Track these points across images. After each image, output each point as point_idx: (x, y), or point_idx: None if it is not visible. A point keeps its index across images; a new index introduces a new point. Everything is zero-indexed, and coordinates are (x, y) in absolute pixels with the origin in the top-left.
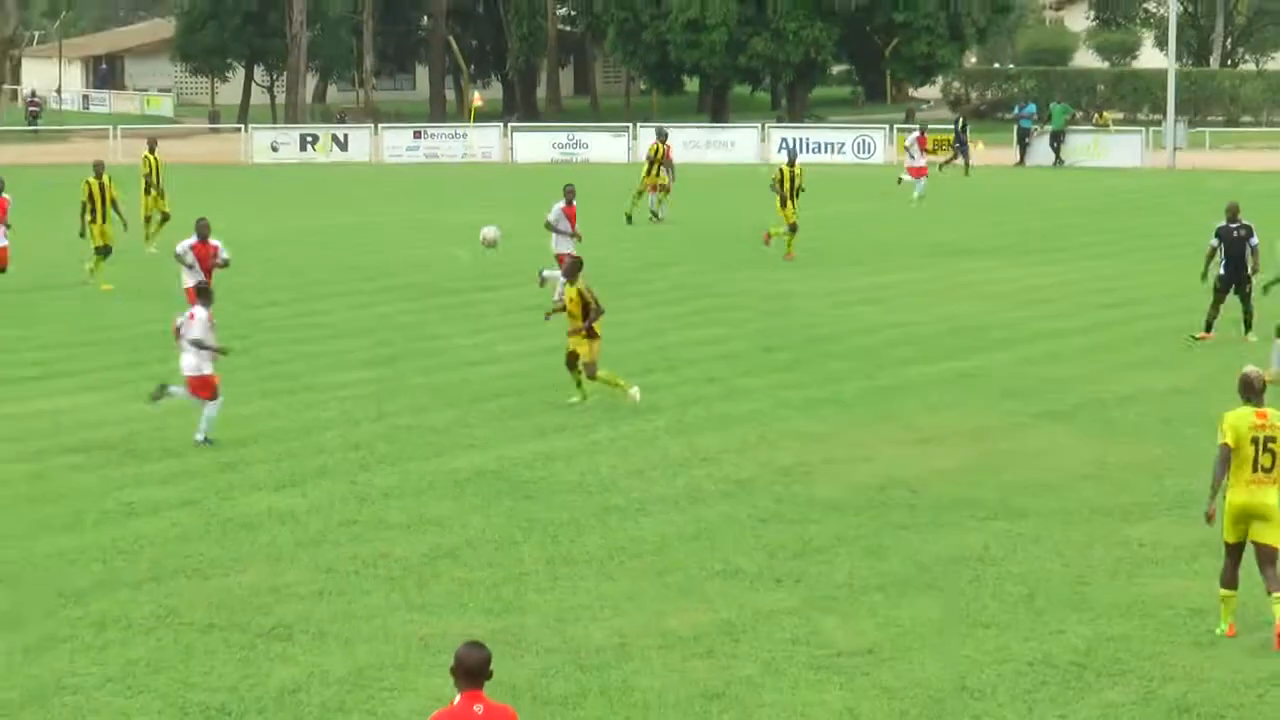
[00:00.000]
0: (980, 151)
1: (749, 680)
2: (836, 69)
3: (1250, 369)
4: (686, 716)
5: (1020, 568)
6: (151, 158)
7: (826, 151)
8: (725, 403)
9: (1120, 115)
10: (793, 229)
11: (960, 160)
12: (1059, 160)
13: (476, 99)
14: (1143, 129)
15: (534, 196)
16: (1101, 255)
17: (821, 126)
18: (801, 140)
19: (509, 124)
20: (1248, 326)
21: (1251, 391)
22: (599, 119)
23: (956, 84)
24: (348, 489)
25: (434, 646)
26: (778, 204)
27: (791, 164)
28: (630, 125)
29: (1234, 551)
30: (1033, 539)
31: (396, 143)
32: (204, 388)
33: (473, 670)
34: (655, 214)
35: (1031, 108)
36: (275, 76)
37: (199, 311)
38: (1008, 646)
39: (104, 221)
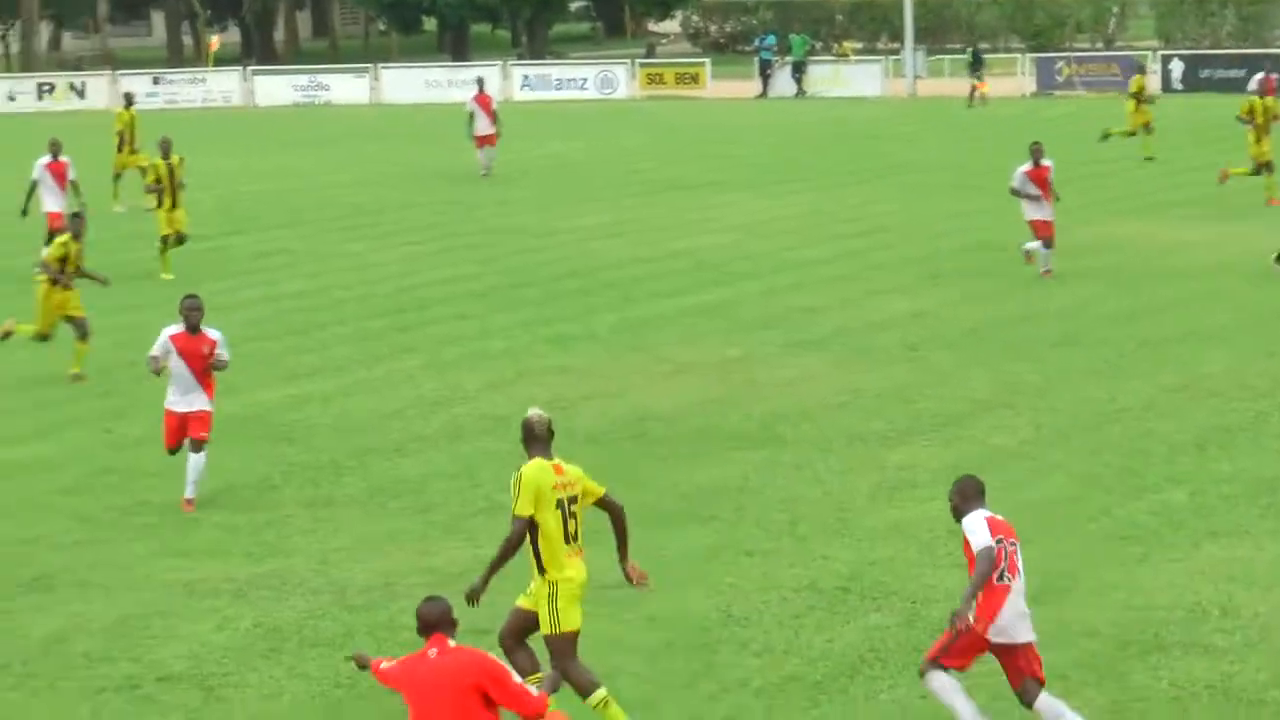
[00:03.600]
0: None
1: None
2: (575, 5)
3: (534, 412)
4: None
5: (782, 495)
6: (127, 113)
7: (570, 88)
8: (480, 340)
9: (860, 45)
10: (1266, 169)
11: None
12: (801, 91)
13: (213, 43)
14: (883, 58)
15: (275, 139)
16: (845, 185)
17: (563, 63)
18: (544, 76)
19: (248, 68)
20: None
21: (535, 439)
22: (338, 60)
23: (695, 17)
24: (102, 437)
25: (198, 592)
26: (1251, 139)
27: (1263, 95)
28: (371, 66)
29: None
30: (793, 466)
31: (135, 89)
32: None
33: (427, 623)
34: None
35: (771, 39)
36: (9, 25)
37: None
38: (773, 573)
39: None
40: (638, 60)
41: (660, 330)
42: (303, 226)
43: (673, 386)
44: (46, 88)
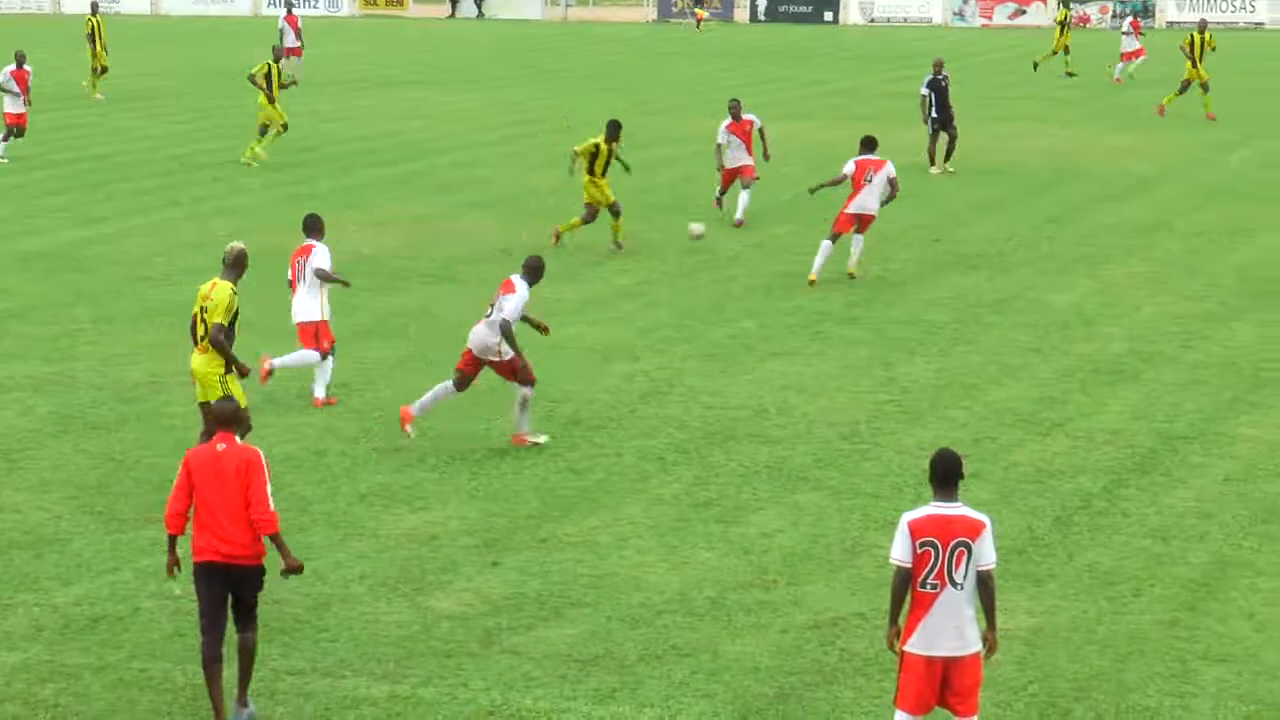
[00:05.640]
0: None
1: None
2: None
3: (232, 244)
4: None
5: (454, 319)
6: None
7: (304, 6)
8: (229, 198)
9: None
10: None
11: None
12: (481, 13)
13: None
14: None
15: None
16: (510, 84)
17: None
18: None
19: None
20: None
21: (222, 261)
22: None
23: None
24: None
25: (5, 386)
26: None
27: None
28: None
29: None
30: (462, 298)
31: None
32: None
33: (219, 419)
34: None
35: None
36: None
37: None
38: (443, 375)
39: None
40: None
41: (370, 193)
42: (100, 107)
43: (378, 235)
44: None
